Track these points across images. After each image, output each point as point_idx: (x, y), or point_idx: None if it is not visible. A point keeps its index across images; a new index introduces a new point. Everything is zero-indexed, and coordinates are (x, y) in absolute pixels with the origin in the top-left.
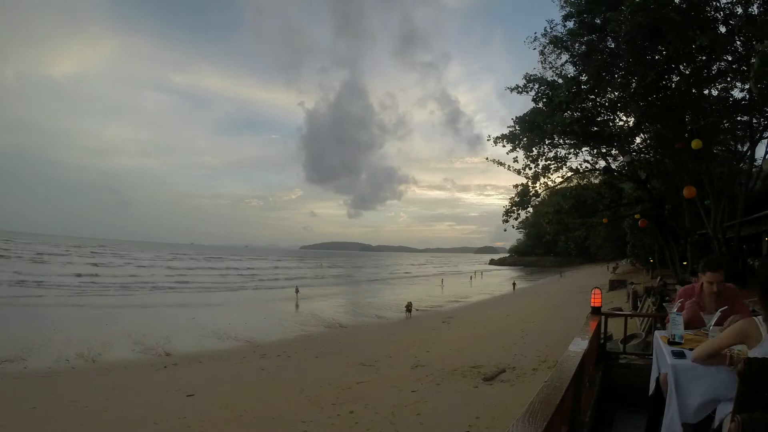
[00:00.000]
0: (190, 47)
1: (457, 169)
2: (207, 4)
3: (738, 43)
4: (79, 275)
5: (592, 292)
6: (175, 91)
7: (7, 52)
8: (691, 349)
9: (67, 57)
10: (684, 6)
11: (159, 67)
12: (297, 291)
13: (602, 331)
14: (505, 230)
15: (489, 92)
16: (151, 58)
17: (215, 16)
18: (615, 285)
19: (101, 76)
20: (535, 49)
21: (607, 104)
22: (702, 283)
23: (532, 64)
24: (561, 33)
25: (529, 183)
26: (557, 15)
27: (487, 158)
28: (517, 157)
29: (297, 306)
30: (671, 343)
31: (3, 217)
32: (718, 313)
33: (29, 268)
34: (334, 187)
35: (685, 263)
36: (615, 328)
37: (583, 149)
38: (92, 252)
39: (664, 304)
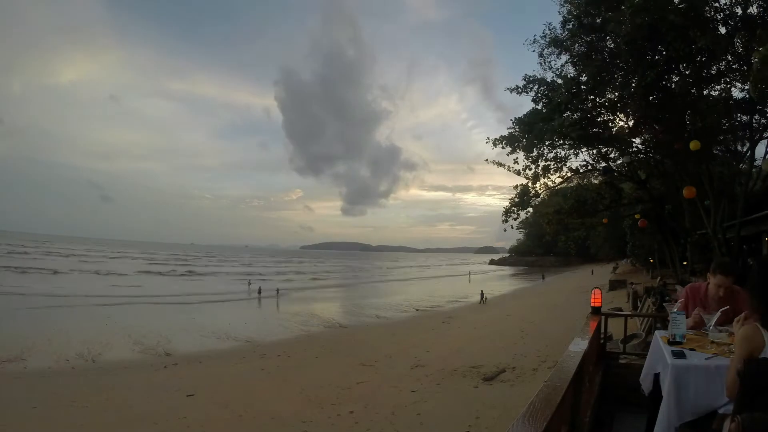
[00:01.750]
0: (189, 57)
1: (459, 169)
2: (206, 14)
3: (738, 43)
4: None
5: (592, 292)
6: (176, 97)
7: (16, 61)
8: (691, 349)
9: (72, 66)
10: (683, 7)
11: (159, 75)
12: None
13: (602, 331)
14: (505, 230)
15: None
16: (151, 67)
17: (215, 25)
18: (615, 285)
19: (104, 83)
20: (534, 51)
21: (606, 105)
22: (708, 284)
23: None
24: (560, 34)
25: (529, 184)
26: (557, 15)
27: (486, 160)
28: (517, 158)
29: None
30: (672, 342)
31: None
32: (718, 313)
33: None
34: (332, 177)
35: (685, 263)
36: (615, 328)
37: (583, 150)
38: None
39: (664, 304)
